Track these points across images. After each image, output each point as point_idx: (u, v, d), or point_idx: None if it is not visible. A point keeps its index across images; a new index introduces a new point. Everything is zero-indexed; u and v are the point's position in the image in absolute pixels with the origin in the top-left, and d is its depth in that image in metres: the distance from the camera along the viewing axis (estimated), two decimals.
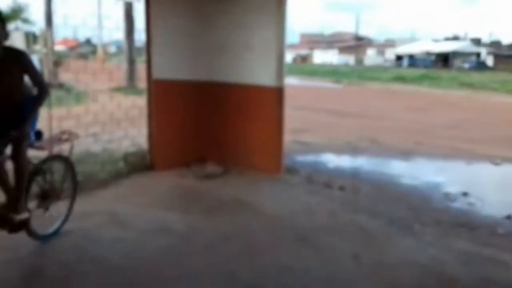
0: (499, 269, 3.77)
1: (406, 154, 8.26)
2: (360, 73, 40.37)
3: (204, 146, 6.65)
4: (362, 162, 7.63)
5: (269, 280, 3.41)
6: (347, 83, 32.96)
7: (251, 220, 4.61)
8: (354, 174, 6.64)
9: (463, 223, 4.75)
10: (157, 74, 6.16)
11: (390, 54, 66.11)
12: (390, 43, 74.88)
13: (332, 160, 7.89)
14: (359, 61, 67.37)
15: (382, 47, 74.79)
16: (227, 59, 6.52)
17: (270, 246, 4.01)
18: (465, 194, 5.77)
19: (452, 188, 6.02)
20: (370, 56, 71.56)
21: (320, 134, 10.00)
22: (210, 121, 6.68)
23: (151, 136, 6.32)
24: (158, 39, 6.11)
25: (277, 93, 6.16)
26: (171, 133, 6.33)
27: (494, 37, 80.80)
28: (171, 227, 4.34)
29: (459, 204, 5.46)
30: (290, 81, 19.44)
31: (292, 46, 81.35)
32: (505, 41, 72.77)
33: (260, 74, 6.26)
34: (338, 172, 6.79)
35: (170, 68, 6.27)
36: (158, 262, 3.65)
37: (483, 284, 3.53)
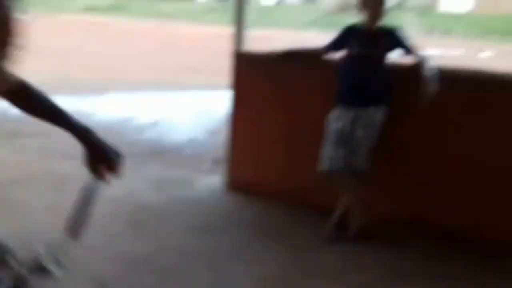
0: (185, 188, 4.30)
1: (101, 89, 8.28)
2: (47, 2, 37.18)
3: None
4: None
5: None
6: (33, 14, 30.03)
7: None
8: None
9: (154, 151, 5.19)
10: None
11: None
12: None
13: None
14: None
15: None
16: None
17: None
18: (155, 123, 6.25)
19: (144, 119, 6.43)
20: None
21: None
22: None
23: None
24: None
25: None
26: None
27: None
28: None
29: (150, 133, 5.90)
30: None
31: None
32: None
33: None
34: (25, 120, 6.35)
35: None
36: None
37: (173, 204, 3.98)
